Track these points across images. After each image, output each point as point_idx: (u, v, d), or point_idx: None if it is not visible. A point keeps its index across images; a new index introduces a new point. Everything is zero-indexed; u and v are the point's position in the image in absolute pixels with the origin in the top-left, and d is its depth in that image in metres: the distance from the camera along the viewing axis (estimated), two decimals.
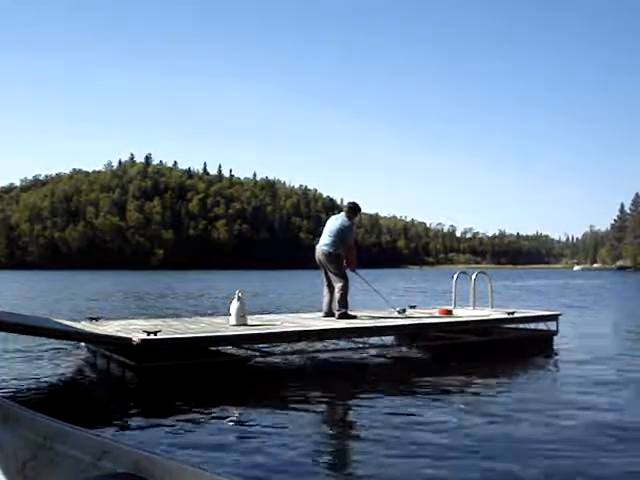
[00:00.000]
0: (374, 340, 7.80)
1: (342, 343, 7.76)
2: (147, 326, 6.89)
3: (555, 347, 8.47)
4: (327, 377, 6.58)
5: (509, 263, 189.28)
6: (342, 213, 8.51)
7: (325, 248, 8.25)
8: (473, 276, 10.01)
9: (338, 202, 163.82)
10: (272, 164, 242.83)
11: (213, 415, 4.79)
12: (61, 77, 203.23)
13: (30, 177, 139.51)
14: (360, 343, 7.73)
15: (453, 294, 10.23)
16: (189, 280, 42.81)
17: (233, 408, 5.11)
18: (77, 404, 5.39)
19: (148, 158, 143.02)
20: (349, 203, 8.60)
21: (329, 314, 8.27)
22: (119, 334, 6.20)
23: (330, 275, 8.28)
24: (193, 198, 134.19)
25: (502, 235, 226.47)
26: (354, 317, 8.06)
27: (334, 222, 8.39)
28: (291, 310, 12.82)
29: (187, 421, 4.56)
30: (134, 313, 13.19)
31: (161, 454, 1.88)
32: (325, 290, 8.43)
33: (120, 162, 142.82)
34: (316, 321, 7.84)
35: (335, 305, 8.21)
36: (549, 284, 37.38)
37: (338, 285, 8.19)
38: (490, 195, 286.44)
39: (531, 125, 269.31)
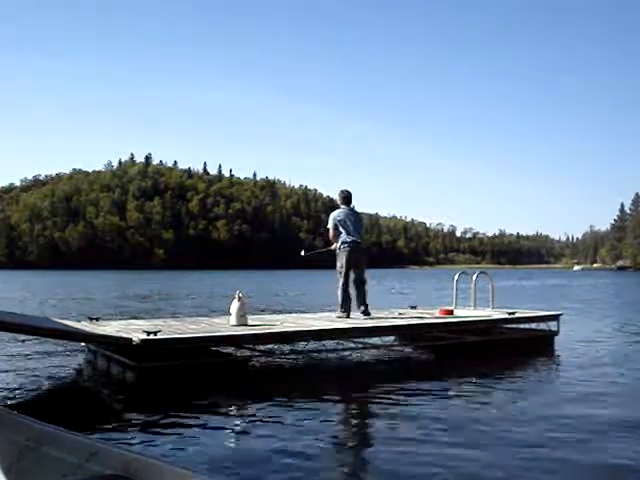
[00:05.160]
0: (374, 340, 7.78)
1: (343, 343, 7.74)
2: (147, 326, 6.88)
3: (556, 347, 8.45)
4: (327, 377, 6.56)
5: (509, 263, 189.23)
6: (352, 205, 8.44)
7: (361, 245, 8.24)
8: (474, 276, 9.99)
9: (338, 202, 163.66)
10: (272, 164, 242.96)
11: (213, 415, 4.78)
12: (61, 77, 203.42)
13: (30, 177, 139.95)
14: (360, 343, 7.71)
15: (454, 294, 10.21)
16: (189, 280, 42.82)
17: (233, 408, 5.10)
18: (77, 404, 5.37)
19: (148, 158, 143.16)
20: (348, 192, 8.50)
21: (349, 314, 8.16)
22: (119, 334, 6.19)
23: (359, 272, 8.21)
24: (193, 198, 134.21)
25: (502, 235, 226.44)
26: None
27: (357, 217, 8.39)
28: (291, 310, 12.80)
29: (187, 421, 4.55)
30: (134, 313, 13.18)
31: (150, 455, 1.86)
32: (345, 290, 8.20)
33: (120, 162, 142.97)
34: (316, 321, 7.83)
35: (363, 303, 8.16)
36: (549, 284, 37.37)
37: (366, 283, 8.20)
38: (490, 195, 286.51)
39: (531, 125, 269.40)
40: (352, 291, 8.26)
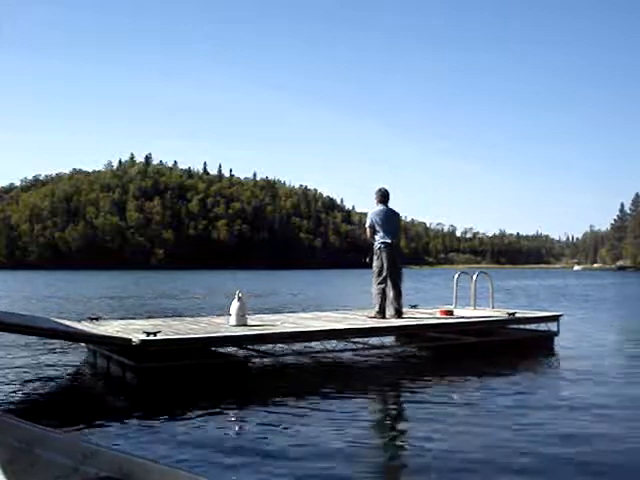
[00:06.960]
0: (374, 340, 7.78)
1: (342, 343, 7.74)
2: (147, 326, 6.89)
3: (556, 348, 8.45)
4: (327, 378, 6.56)
5: (509, 263, 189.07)
6: (389, 205, 8.34)
7: (395, 241, 8.22)
8: (474, 276, 9.98)
9: (338, 202, 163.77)
10: (272, 164, 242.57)
11: (213, 416, 4.78)
12: (61, 77, 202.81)
13: (30, 177, 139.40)
14: (360, 343, 7.71)
15: (454, 294, 10.21)
16: (189, 280, 42.81)
17: (233, 409, 5.10)
18: (76, 404, 5.37)
19: (148, 158, 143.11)
20: (386, 190, 8.38)
21: (384, 315, 8.09)
22: (119, 334, 6.19)
23: (393, 270, 8.15)
24: (193, 198, 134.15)
25: (502, 235, 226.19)
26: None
27: (394, 217, 8.36)
28: (291, 310, 12.80)
29: (187, 422, 4.55)
30: (134, 313, 13.18)
31: (145, 456, 1.86)
32: (383, 290, 8.13)
33: (120, 162, 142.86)
34: (316, 321, 7.83)
35: (397, 303, 8.09)
36: (549, 284, 37.37)
37: (401, 281, 8.15)
38: (490, 195, 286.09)
39: (531, 125, 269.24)
40: (388, 291, 8.21)
